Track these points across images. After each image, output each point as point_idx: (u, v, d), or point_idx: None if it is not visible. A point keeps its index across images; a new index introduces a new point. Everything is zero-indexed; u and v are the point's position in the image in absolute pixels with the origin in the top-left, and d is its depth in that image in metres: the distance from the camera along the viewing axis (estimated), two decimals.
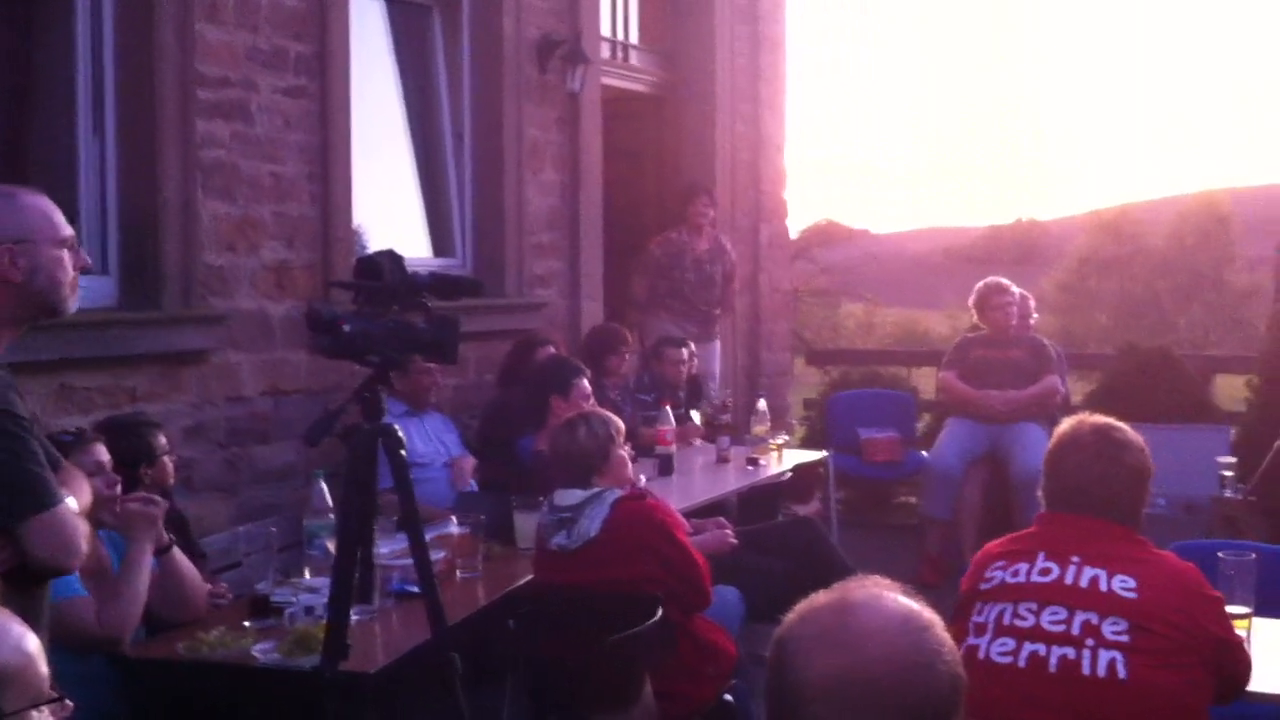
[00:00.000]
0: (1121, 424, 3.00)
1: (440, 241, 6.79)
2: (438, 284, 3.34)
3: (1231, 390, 8.77)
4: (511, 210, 6.83)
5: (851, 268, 29.77)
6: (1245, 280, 30.75)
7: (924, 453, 7.54)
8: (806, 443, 8.57)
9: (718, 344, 8.10)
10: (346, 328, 3.12)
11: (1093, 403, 7.73)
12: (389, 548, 3.92)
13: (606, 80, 7.81)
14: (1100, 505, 2.87)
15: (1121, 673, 2.63)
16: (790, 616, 1.62)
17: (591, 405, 4.84)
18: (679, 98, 8.76)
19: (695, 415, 6.68)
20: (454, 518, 4.29)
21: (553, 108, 7.17)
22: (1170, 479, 6.86)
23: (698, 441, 6.44)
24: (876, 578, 1.68)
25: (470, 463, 5.38)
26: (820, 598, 1.63)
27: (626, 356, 6.58)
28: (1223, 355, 11.10)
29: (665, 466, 5.79)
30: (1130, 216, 41.80)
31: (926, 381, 9.01)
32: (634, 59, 8.45)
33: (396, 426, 3.26)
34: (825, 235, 29.34)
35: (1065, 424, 3.02)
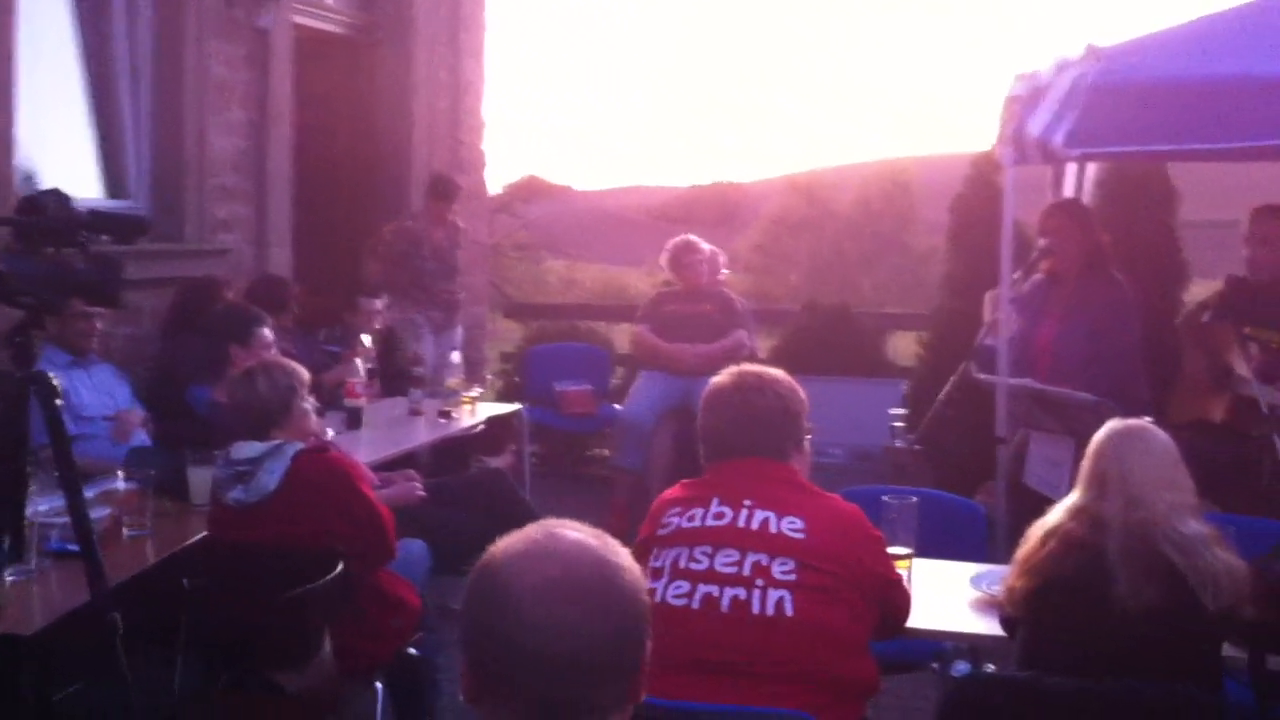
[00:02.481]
0: (768, 370, 3.10)
1: (114, 182, 6.39)
2: (98, 222, 3.12)
3: (907, 347, 9.25)
4: (192, 151, 6.50)
5: (554, 223, 29.98)
6: (924, 243, 32.48)
7: (617, 405, 7.66)
8: (503, 396, 8.57)
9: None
10: None
11: (777, 357, 8.02)
12: (49, 504, 3.68)
13: (298, 19, 7.52)
14: (745, 448, 2.97)
15: (789, 610, 2.72)
16: (495, 547, 1.66)
17: (274, 355, 4.66)
18: (375, 41, 8.53)
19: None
20: (120, 473, 4.06)
21: (240, 44, 6.84)
22: (847, 430, 7.24)
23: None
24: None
25: (137, 415, 5.10)
26: (527, 528, 1.68)
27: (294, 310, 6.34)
28: (898, 313, 11.70)
29: (354, 419, 5.66)
30: (821, 181, 43.55)
31: (626, 336, 9.15)
32: None
33: (52, 375, 3.04)
34: (528, 190, 29.41)
35: (714, 379, 3.11)
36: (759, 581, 2.76)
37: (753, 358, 7.37)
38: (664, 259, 7.46)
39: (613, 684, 1.60)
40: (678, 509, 2.94)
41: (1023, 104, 4.59)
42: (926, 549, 3.64)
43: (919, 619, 3.22)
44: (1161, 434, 2.96)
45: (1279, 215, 5.29)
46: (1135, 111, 4.44)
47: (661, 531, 2.92)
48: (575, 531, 1.66)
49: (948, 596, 3.49)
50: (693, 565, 2.81)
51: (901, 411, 6.43)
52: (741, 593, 2.75)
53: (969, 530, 4.25)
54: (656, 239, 7.79)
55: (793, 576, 2.76)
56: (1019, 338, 5.40)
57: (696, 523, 2.88)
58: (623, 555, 1.66)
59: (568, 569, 1.60)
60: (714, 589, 2.77)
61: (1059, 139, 4.45)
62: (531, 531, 1.66)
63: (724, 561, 2.80)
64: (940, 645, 3.97)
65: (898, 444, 6.25)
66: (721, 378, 3.09)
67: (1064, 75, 4.52)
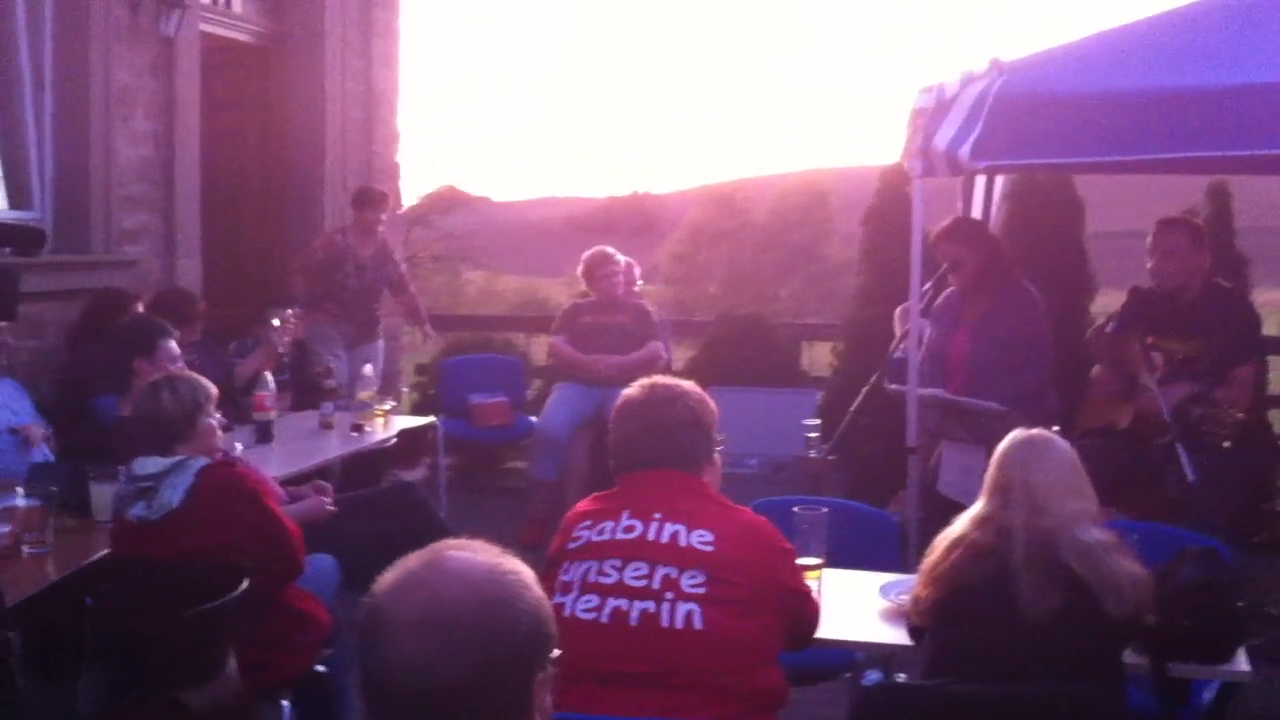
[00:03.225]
0: (680, 381, 3.09)
1: (17, 192, 6.23)
2: None
3: (822, 357, 9.31)
4: (98, 160, 6.37)
5: (473, 234, 29.88)
6: (840, 254, 32.83)
7: (534, 417, 7.63)
8: (418, 408, 8.51)
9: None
10: None
11: (692, 367, 8.05)
12: None
13: (206, 27, 7.41)
14: (655, 460, 2.96)
15: (698, 623, 2.72)
16: (383, 575, 1.64)
17: (179, 369, 4.59)
18: (285, 49, 8.41)
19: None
20: (20, 489, 3.97)
21: (145, 52, 6.72)
22: (762, 440, 7.26)
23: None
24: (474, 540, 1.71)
25: (39, 431, 4.99)
26: (414, 554, 1.66)
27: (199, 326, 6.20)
28: (813, 324, 11.78)
29: (264, 433, 5.58)
30: (739, 192, 43.85)
31: (543, 348, 9.11)
32: (236, 6, 8.03)
33: None
34: (446, 201, 29.27)
35: (626, 391, 3.10)
36: (668, 595, 2.75)
37: (668, 369, 7.40)
38: (580, 270, 7.46)
39: (491, 713, 1.57)
40: (588, 522, 2.93)
41: (929, 117, 4.64)
42: (839, 559, 3.66)
43: (831, 629, 3.23)
44: (1063, 443, 3.00)
45: (1181, 226, 5.42)
46: (1039, 124, 4.51)
47: (571, 545, 2.91)
48: (468, 555, 1.63)
49: (859, 606, 3.51)
50: (602, 579, 2.80)
51: (816, 422, 6.48)
52: (651, 606, 2.74)
53: (881, 540, 4.28)
54: (576, 250, 7.77)
55: (702, 589, 2.75)
56: (934, 348, 5.47)
57: (606, 536, 2.87)
58: (515, 581, 1.62)
59: (437, 601, 1.57)
60: (623, 603, 2.76)
61: (965, 151, 4.51)
62: (414, 560, 1.63)
63: (633, 575, 2.79)
64: (853, 655, 4.00)
65: (812, 454, 6.28)
66: (632, 389, 3.08)
67: (969, 88, 4.58)
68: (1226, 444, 5.02)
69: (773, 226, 39.40)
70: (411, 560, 1.62)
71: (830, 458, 6.08)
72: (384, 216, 7.58)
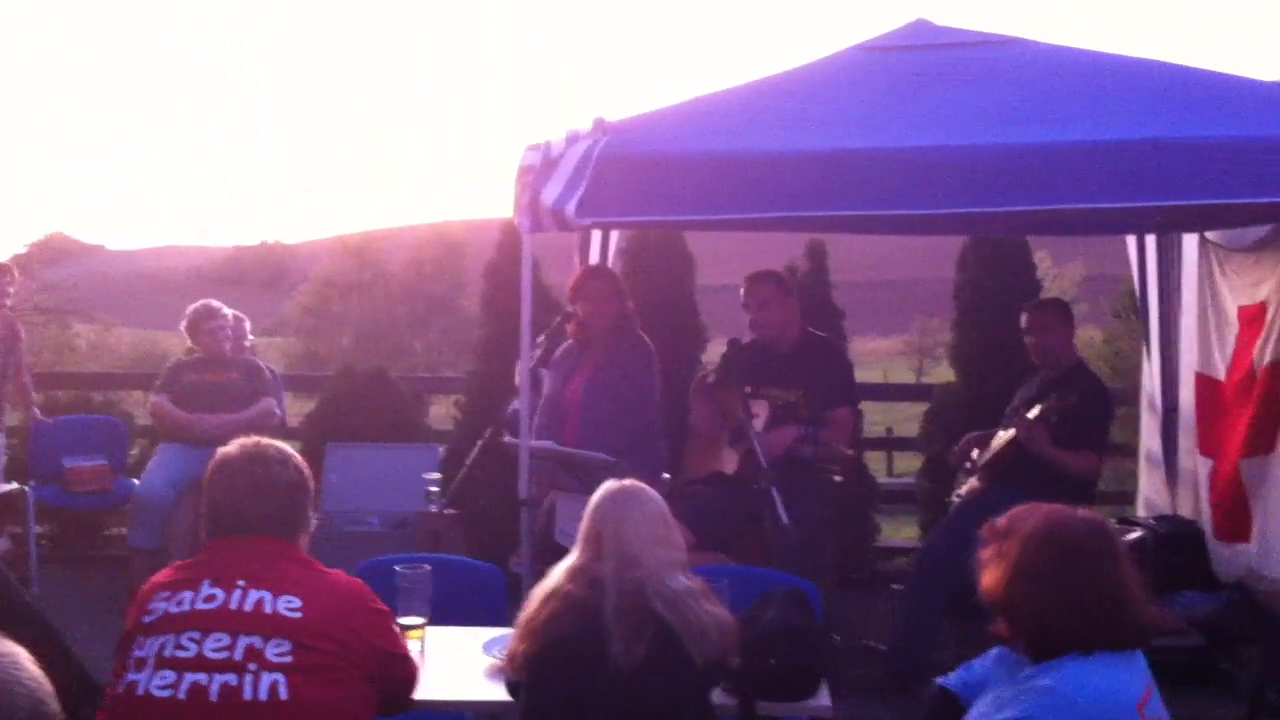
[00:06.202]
0: (276, 443, 2.98)
1: None
2: None
3: (448, 411, 9.26)
4: None
5: (83, 285, 28.19)
6: (475, 307, 32.98)
7: (136, 480, 7.19)
8: (6, 473, 7.86)
9: None
10: None
11: (311, 424, 7.82)
12: None
13: None
14: (257, 523, 2.84)
15: (283, 694, 2.61)
16: None
17: None
18: None
19: None
20: None
21: None
22: (383, 497, 7.12)
23: None
24: None
25: None
26: None
27: None
28: (436, 377, 11.74)
29: None
30: (373, 243, 43.40)
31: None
32: None
33: None
34: (53, 250, 27.51)
35: (221, 449, 2.95)
36: (252, 666, 2.63)
37: (283, 427, 7.14)
38: (183, 325, 7.07)
39: None
40: (165, 594, 2.78)
41: (536, 174, 4.69)
42: (448, 616, 3.61)
43: (434, 689, 3.18)
44: (653, 493, 3.07)
45: (768, 277, 5.76)
46: (641, 183, 4.64)
47: (147, 619, 2.74)
48: None
49: (464, 664, 3.46)
50: (179, 653, 2.64)
51: (436, 476, 6.41)
52: (233, 679, 2.61)
53: (490, 594, 4.25)
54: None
55: (289, 658, 2.65)
56: (551, 397, 5.53)
57: (185, 607, 2.72)
58: (6, 664, 1.50)
59: None
60: (202, 677, 2.61)
61: (571, 209, 4.57)
62: None
63: (214, 647, 2.65)
64: (461, 715, 3.94)
65: (433, 509, 6.22)
66: (230, 448, 2.94)
67: (574, 147, 4.66)
68: (839, 478, 5.33)
69: (408, 278, 39.22)
70: None
71: (449, 512, 6.04)
72: (11, 289, 7.02)
